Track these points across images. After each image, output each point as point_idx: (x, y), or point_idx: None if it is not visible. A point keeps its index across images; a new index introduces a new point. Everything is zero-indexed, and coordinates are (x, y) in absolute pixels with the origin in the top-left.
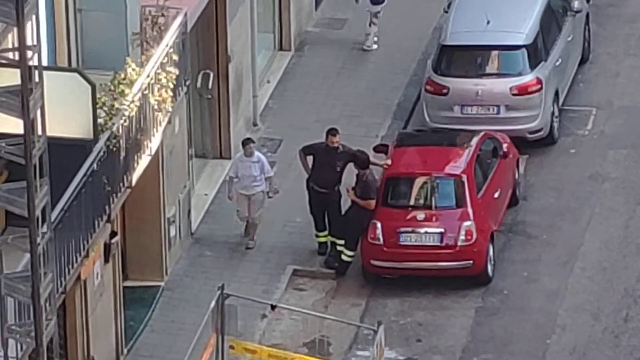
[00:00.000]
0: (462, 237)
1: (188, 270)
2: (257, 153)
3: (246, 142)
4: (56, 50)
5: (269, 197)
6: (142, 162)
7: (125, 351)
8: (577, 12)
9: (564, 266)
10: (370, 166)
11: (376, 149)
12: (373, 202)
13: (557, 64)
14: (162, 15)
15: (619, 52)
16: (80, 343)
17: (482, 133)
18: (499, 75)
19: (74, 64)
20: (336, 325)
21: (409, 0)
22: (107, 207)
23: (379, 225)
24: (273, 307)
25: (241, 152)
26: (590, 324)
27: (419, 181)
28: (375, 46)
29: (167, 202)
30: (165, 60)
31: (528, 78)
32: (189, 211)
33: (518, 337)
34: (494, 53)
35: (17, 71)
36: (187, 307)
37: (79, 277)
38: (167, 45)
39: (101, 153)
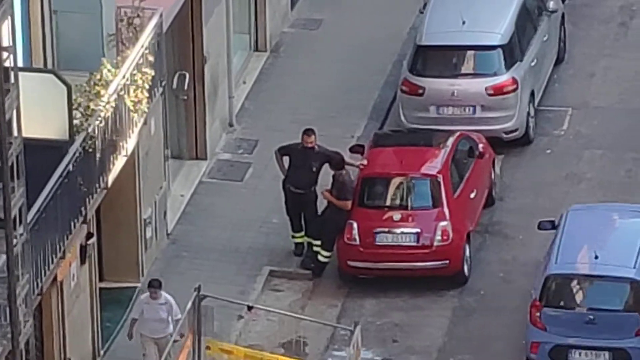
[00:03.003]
0: (438, 237)
1: (164, 271)
2: (164, 294)
3: (151, 284)
4: (32, 51)
5: (175, 341)
6: (118, 163)
7: (101, 353)
8: (552, 12)
9: (540, 266)
10: (347, 167)
11: (352, 150)
12: (349, 203)
13: (533, 64)
14: (138, 16)
15: (594, 53)
16: (57, 344)
17: (458, 133)
18: (474, 75)
19: (49, 65)
20: (313, 325)
21: (385, 1)
22: (83, 209)
23: (355, 225)
24: (249, 307)
25: (147, 294)
26: None
27: (395, 181)
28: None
29: (143, 203)
30: (140, 61)
31: (504, 78)
32: (165, 212)
33: (494, 337)
34: (470, 53)
35: None
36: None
37: (55, 279)
38: (142, 46)
39: (77, 154)
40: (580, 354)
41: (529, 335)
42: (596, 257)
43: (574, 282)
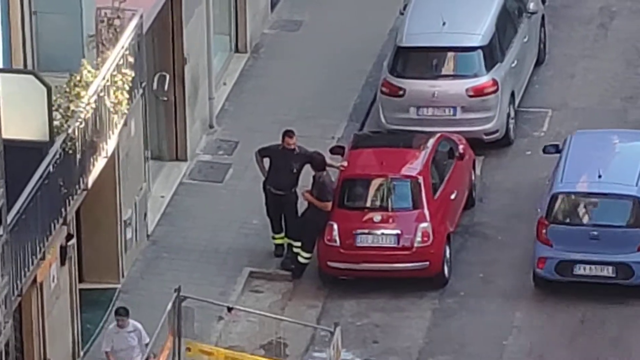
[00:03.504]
0: (418, 239)
1: (144, 272)
2: (131, 322)
3: (118, 312)
4: (11, 52)
5: None
6: (98, 165)
7: (81, 354)
8: (532, 13)
9: (520, 267)
10: (327, 168)
11: (332, 151)
12: (329, 204)
13: (513, 65)
14: (118, 17)
15: (574, 54)
16: (37, 346)
17: (438, 134)
18: (454, 76)
19: (29, 66)
20: (293, 326)
21: (365, 2)
22: (63, 210)
23: (335, 226)
24: (230, 309)
25: (114, 323)
26: (546, 325)
27: (375, 183)
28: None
29: (124, 204)
30: (121, 62)
31: (484, 79)
32: (145, 213)
33: (474, 338)
34: (450, 54)
35: None
36: (144, 309)
37: (35, 280)
38: (122, 47)
39: (57, 155)
40: (584, 269)
41: (536, 251)
42: (599, 176)
43: (579, 200)
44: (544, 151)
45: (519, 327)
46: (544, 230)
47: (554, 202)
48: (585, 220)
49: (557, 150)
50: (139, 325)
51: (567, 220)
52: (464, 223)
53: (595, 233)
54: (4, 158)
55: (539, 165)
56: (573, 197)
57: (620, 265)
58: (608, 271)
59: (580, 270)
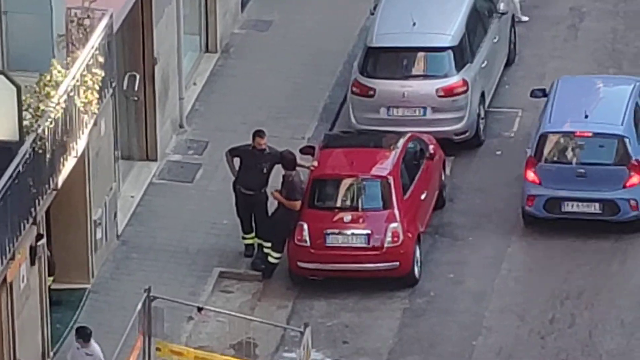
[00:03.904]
0: (388, 239)
1: (114, 272)
2: (93, 345)
3: (78, 332)
4: None
5: None
6: (68, 164)
7: (51, 354)
8: (502, 14)
9: (490, 268)
10: (297, 168)
11: (303, 151)
12: (298, 203)
13: (483, 65)
14: (88, 17)
15: (544, 54)
16: (7, 346)
17: (409, 135)
18: (425, 77)
19: None
20: (263, 327)
21: (336, 2)
22: (33, 210)
23: (305, 227)
24: (200, 309)
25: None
26: (516, 325)
27: (345, 183)
28: (525, 18)
29: (94, 204)
30: (91, 62)
31: (454, 80)
32: (115, 213)
33: (444, 338)
34: (420, 55)
35: None
36: (114, 309)
37: (4, 280)
38: (92, 47)
39: (27, 155)
40: (572, 206)
41: (525, 190)
42: (586, 116)
43: (566, 139)
44: (532, 95)
45: (488, 327)
46: (532, 169)
47: (543, 141)
48: (573, 158)
49: (544, 94)
50: (98, 351)
51: (555, 159)
52: (434, 223)
53: (582, 171)
54: None
55: (509, 165)
56: (560, 136)
57: (607, 202)
58: (595, 208)
59: (567, 207)
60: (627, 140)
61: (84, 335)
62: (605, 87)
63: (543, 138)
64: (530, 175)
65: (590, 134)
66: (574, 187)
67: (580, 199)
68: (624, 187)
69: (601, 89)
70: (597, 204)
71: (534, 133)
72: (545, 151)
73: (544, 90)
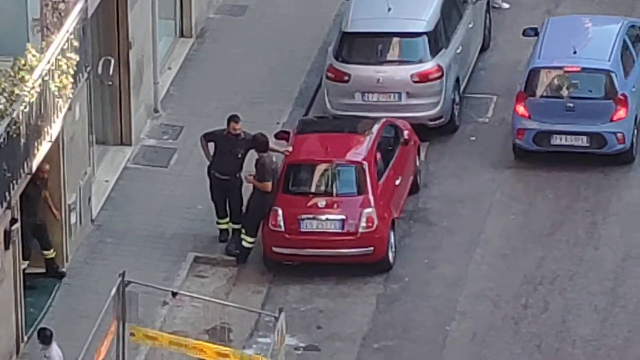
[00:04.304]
0: (363, 224)
1: (88, 257)
2: (54, 348)
3: (40, 335)
4: None
5: None
6: (43, 149)
7: (25, 338)
8: (477, 0)
9: (464, 253)
10: (272, 153)
11: (277, 136)
12: (269, 184)
13: (458, 51)
14: (63, 1)
15: (519, 40)
16: None
17: (383, 120)
18: (399, 62)
19: None
20: (237, 312)
21: None
22: (7, 194)
23: (280, 212)
24: (174, 294)
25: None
26: (490, 311)
27: (320, 168)
28: (506, 5)
29: (68, 188)
30: (65, 47)
31: (429, 65)
32: (90, 198)
33: (418, 323)
34: (395, 40)
35: None
36: (88, 294)
37: None
38: (67, 31)
39: (1, 139)
40: (561, 139)
41: (514, 123)
42: (575, 52)
43: (555, 74)
44: (524, 34)
45: (462, 312)
46: (522, 103)
47: (532, 76)
48: (562, 93)
49: (536, 33)
50: (55, 356)
51: (545, 94)
52: (409, 209)
53: (570, 105)
54: None
55: (484, 151)
56: (550, 71)
57: (594, 135)
58: (583, 141)
59: (556, 140)
60: (613, 75)
61: (44, 337)
62: (594, 25)
63: (533, 73)
64: (520, 109)
65: (578, 69)
66: (562, 120)
67: (568, 132)
68: (611, 120)
69: (590, 27)
70: (585, 137)
71: (525, 68)
72: (535, 86)
73: (535, 29)
